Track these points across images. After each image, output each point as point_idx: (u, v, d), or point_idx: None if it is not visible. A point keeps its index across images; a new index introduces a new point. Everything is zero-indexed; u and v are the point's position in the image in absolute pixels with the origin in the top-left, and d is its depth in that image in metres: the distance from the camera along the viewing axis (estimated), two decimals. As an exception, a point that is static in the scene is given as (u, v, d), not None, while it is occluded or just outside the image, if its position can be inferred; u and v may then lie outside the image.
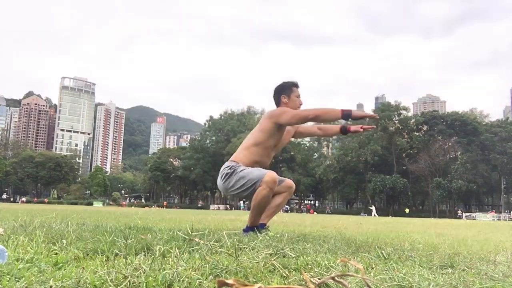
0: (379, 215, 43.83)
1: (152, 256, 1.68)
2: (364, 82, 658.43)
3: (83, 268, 1.45)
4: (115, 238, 2.27)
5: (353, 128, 3.36)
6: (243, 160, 3.34)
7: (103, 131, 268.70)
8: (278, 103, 3.44)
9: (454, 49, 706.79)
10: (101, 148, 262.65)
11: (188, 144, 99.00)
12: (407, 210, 56.22)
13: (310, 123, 3.64)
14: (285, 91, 3.43)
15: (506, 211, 57.26)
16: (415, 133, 69.51)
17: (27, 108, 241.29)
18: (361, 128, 3.35)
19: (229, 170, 3.29)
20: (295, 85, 3.47)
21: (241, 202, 61.27)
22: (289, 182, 3.49)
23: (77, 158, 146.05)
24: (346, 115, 3.04)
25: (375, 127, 3.43)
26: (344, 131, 3.45)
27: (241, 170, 3.23)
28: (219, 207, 67.60)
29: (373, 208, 48.32)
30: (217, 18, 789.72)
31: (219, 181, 3.38)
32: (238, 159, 3.35)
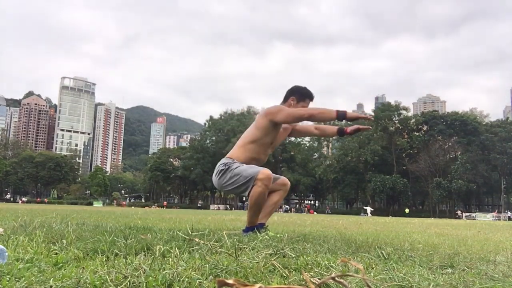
0: (377, 215, 44.00)
1: (152, 256, 1.68)
2: (364, 82, 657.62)
3: (83, 268, 1.45)
4: (115, 238, 2.27)
5: (349, 129, 3.37)
6: (239, 157, 3.34)
7: (103, 131, 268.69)
8: (285, 100, 3.46)
9: (454, 49, 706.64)
10: (101, 148, 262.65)
11: (188, 144, 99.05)
12: (407, 210, 56.28)
13: (309, 123, 3.65)
14: (298, 95, 3.43)
15: (506, 211, 57.25)
16: (415, 133, 69.54)
17: (27, 108, 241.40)
18: (358, 129, 3.36)
19: (224, 167, 3.30)
20: (310, 97, 3.47)
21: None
22: (284, 179, 3.51)
23: (77, 158, 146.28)
24: (341, 116, 3.06)
25: (371, 128, 3.45)
26: (341, 133, 3.47)
27: (236, 167, 3.24)
28: (219, 207, 67.65)
29: (368, 208, 49.11)
30: (218, 18, 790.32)
31: (214, 177, 3.40)
32: (235, 156, 3.36)
